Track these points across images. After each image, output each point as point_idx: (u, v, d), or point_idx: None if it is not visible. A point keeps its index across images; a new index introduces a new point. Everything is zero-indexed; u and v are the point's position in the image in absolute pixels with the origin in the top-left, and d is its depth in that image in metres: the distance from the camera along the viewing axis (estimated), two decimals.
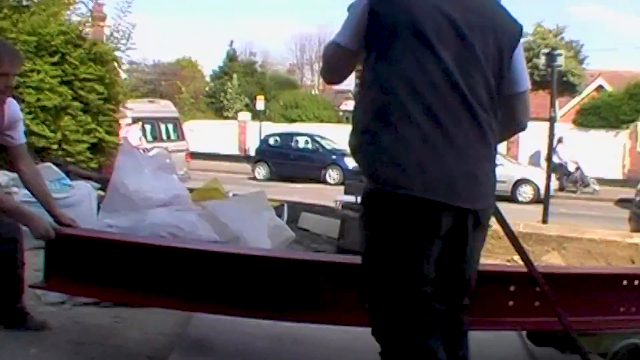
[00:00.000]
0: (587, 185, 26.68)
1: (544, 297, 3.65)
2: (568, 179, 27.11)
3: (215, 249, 4.47)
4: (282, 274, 3.84)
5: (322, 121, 37.02)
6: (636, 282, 4.20)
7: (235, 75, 42.56)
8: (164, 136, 18.44)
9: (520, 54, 3.01)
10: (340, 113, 47.90)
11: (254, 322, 4.30)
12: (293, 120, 36.74)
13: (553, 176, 21.39)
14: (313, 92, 50.17)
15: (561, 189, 26.76)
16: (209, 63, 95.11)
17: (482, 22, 2.81)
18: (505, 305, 3.90)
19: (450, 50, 2.72)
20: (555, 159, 26.39)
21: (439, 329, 2.86)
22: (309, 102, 38.74)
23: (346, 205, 8.52)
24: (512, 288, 3.89)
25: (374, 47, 2.82)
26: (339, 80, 3.28)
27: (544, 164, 26.80)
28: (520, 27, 3.02)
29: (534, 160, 29.33)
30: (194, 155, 20.90)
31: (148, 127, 17.87)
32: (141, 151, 14.22)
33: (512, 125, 3.14)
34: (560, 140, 26.86)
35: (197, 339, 4.24)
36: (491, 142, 2.87)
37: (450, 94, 2.71)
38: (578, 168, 27.18)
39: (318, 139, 28.25)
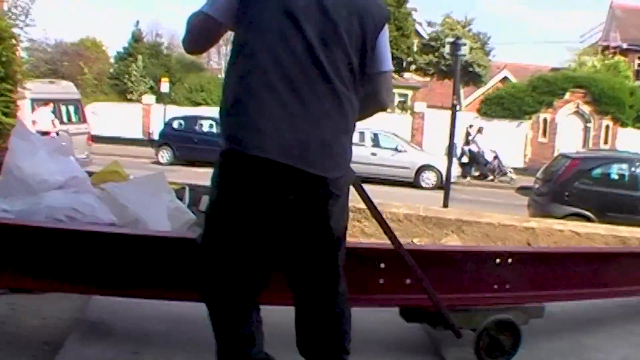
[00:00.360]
0: (504, 174, 27.47)
1: (415, 275, 3.79)
2: (486, 167, 27.87)
3: (107, 230, 4.38)
4: (175, 254, 3.82)
5: None
6: (510, 260, 4.34)
7: (140, 57, 41.79)
8: (65, 118, 17.99)
9: (385, 37, 3.16)
10: None
11: (151, 304, 4.29)
12: (198, 104, 36.30)
13: (456, 163, 21.91)
14: (219, 76, 49.78)
15: (481, 177, 27.57)
16: (114, 44, 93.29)
17: (348, 4, 2.97)
18: (376, 282, 3.99)
19: (314, 26, 2.87)
20: (474, 148, 27.17)
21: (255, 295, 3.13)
22: (215, 86, 38.26)
23: None
24: (382, 265, 3.99)
25: (243, 19, 2.93)
26: (201, 51, 3.41)
27: (459, 153, 27.57)
28: (387, 12, 3.21)
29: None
30: (97, 139, 20.52)
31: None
32: (54, 134, 13.85)
33: (376, 102, 3.29)
34: (479, 131, 27.67)
35: (95, 323, 4.20)
36: (349, 116, 3.01)
37: (310, 67, 2.85)
38: (496, 157, 28.06)
39: None
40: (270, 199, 2.87)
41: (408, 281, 3.93)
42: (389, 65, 3.22)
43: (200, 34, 3.12)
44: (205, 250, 3.10)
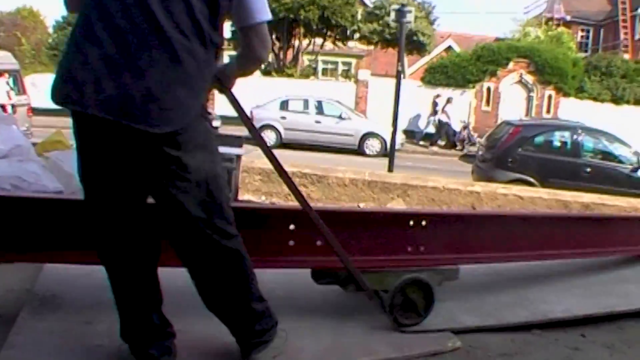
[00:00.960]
0: (473, 144, 27.73)
1: (325, 236, 3.76)
2: (454, 137, 28.23)
3: (54, 197, 4.33)
4: None
5: None
6: (423, 222, 4.37)
7: None
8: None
9: None
10: None
11: (101, 273, 4.23)
12: None
13: (399, 130, 22.00)
14: None
15: (449, 146, 27.89)
16: (52, 13, 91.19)
17: None
18: (286, 244, 3.97)
19: None
20: (443, 118, 27.45)
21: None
22: None
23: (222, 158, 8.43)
24: (291, 227, 3.97)
25: None
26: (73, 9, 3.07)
27: (423, 124, 27.82)
28: None
29: (414, 122, 30.08)
30: (37, 112, 20.04)
31: None
32: (9, 107, 13.49)
33: (250, 56, 3.20)
34: (449, 101, 27.86)
35: (46, 295, 4.13)
36: (188, 67, 2.82)
37: (140, 17, 2.72)
38: (466, 127, 28.43)
39: None
40: (111, 153, 2.83)
41: (319, 243, 3.89)
42: (260, 17, 3.07)
43: None
44: (87, 210, 3.09)
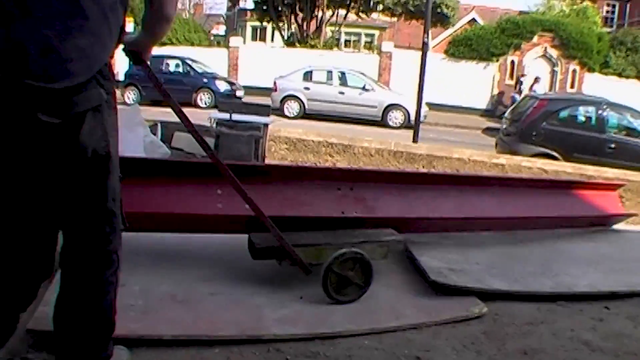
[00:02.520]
0: None
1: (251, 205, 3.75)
2: None
3: None
4: None
5: (192, 44, 36.24)
6: (350, 188, 4.43)
7: None
8: None
9: None
10: (212, 37, 47.16)
11: (136, 235, 4.32)
12: (163, 44, 35.79)
13: (420, 102, 21.93)
14: (184, 16, 49.05)
15: None
16: None
17: None
18: (215, 206, 4.05)
19: None
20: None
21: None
22: (179, 26, 37.63)
23: (220, 122, 8.50)
24: (219, 191, 4.05)
25: None
26: None
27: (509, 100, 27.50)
28: None
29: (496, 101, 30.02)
30: None
31: None
32: None
33: (160, 16, 2.91)
34: (536, 80, 27.25)
35: None
36: (90, 15, 2.48)
37: None
38: None
39: (189, 62, 27.65)
40: (7, 121, 2.45)
41: (247, 207, 3.80)
42: None
43: None
44: None
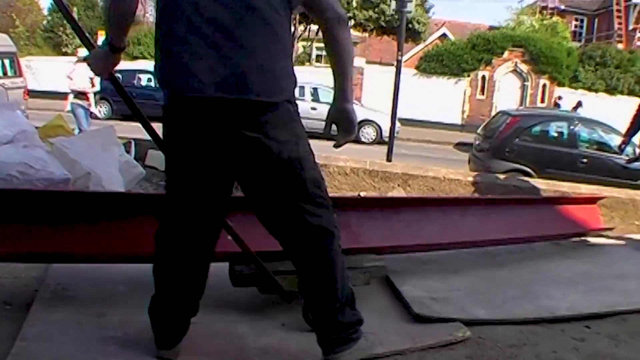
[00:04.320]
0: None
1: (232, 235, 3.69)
2: None
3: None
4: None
5: None
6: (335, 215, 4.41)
7: (75, 9, 40.66)
8: (0, 72, 17.44)
9: None
10: None
11: (113, 266, 4.26)
12: (135, 57, 35.66)
13: (394, 119, 21.94)
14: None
15: None
16: None
17: None
18: None
19: None
20: None
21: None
22: (152, 39, 37.54)
23: None
24: None
25: None
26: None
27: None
28: None
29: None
30: (32, 94, 19.93)
31: None
32: (91, 95, 13.25)
33: (333, 17, 3.19)
34: (579, 104, 26.42)
35: (57, 287, 4.15)
36: (284, 39, 3.02)
37: (232, 3, 2.88)
38: None
39: None
40: (218, 136, 2.94)
41: (229, 237, 3.73)
42: None
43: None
44: (167, 203, 3.20)
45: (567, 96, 28.52)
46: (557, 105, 27.77)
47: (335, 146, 3.40)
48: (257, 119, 2.93)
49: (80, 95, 13.36)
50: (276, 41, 2.96)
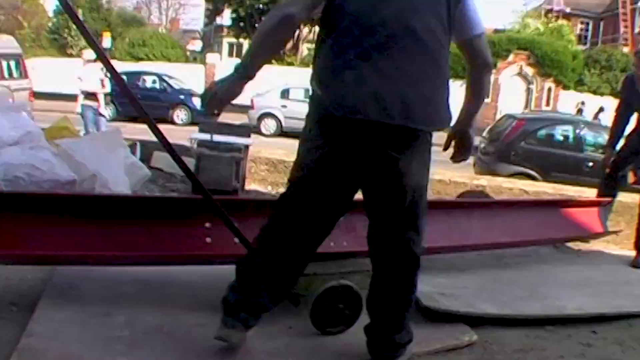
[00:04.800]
0: None
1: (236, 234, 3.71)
2: None
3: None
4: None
5: (169, 60, 36.22)
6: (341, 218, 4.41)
7: (80, 11, 40.74)
8: (6, 74, 17.45)
9: (470, 3, 3.34)
10: (188, 53, 47.09)
11: (117, 268, 4.26)
12: (140, 59, 35.75)
13: None
14: (160, 31, 49.00)
15: None
16: None
17: None
18: (203, 241, 3.98)
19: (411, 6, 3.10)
20: None
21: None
22: (156, 41, 37.76)
23: (201, 143, 8.45)
24: (207, 225, 3.98)
25: (330, 2, 3.12)
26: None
27: None
28: None
29: None
30: (37, 95, 19.97)
31: None
32: (101, 96, 13.21)
33: (482, 63, 3.48)
34: (601, 110, 26.42)
35: (64, 286, 4.13)
36: (445, 73, 3.22)
37: (401, 32, 3.05)
38: None
39: (166, 79, 27.61)
40: (365, 154, 3.14)
41: (237, 240, 3.75)
42: (482, 28, 3.43)
43: (286, 34, 3.29)
44: (290, 205, 3.38)
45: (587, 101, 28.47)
46: (580, 111, 27.71)
47: (454, 161, 3.85)
48: (405, 144, 3.13)
49: (90, 96, 13.33)
50: (438, 74, 3.16)
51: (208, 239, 3.97)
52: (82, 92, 13.58)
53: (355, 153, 3.13)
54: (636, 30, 43.32)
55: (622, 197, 8.97)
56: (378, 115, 3.00)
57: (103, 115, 13.27)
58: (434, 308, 4.19)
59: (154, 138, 3.50)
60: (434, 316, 4.18)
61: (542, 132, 14.43)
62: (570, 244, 6.63)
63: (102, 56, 3.52)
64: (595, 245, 7.05)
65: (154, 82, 27.29)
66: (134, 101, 3.45)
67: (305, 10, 3.11)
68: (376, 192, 3.30)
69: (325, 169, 3.21)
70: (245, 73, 3.19)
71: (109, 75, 13.71)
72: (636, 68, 6.31)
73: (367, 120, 3.01)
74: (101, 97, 13.17)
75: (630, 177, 6.77)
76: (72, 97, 30.76)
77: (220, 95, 3.22)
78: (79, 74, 14.01)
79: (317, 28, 18.88)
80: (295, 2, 3.11)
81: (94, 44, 3.36)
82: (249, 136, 9.03)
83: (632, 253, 6.50)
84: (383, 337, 3.46)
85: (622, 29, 43.83)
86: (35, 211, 3.74)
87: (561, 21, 40.85)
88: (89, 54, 35.51)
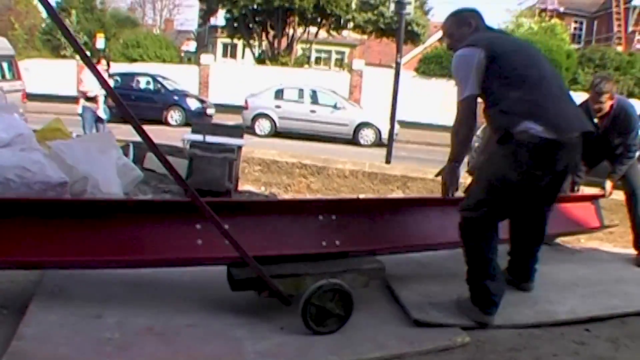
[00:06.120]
0: None
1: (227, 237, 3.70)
2: None
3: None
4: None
5: (163, 61, 36.11)
6: (333, 217, 4.40)
7: (74, 12, 40.66)
8: None
9: None
10: (182, 53, 46.99)
11: (109, 270, 4.25)
12: (134, 60, 35.63)
13: (393, 122, 21.94)
14: (154, 31, 48.90)
15: None
16: None
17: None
18: (194, 243, 3.96)
19: (546, 64, 4.50)
20: None
21: None
22: (151, 42, 37.59)
23: (194, 144, 8.43)
24: (198, 226, 3.96)
25: (501, 72, 4.23)
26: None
27: None
28: None
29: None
30: (30, 97, 19.87)
31: None
32: (101, 97, 13.09)
33: None
34: None
35: (55, 289, 4.12)
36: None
37: (559, 82, 4.52)
38: None
39: (160, 80, 27.47)
40: (562, 162, 4.26)
41: (227, 242, 3.76)
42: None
43: (473, 111, 4.31)
44: (489, 209, 4.31)
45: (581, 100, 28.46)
46: None
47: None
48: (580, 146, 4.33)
49: (91, 98, 13.20)
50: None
51: (199, 241, 3.94)
52: (81, 93, 13.47)
53: (557, 163, 4.22)
54: (629, 29, 43.37)
55: (617, 195, 8.99)
56: (574, 132, 4.21)
57: (102, 119, 13.15)
58: (423, 321, 4.18)
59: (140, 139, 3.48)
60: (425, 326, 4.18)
61: None
62: (564, 242, 6.62)
63: (86, 59, 3.48)
64: (589, 242, 7.04)
65: (147, 83, 27.13)
66: (120, 103, 3.42)
67: (478, 86, 4.22)
68: (553, 190, 4.54)
69: (534, 180, 4.23)
70: (459, 163, 4.51)
71: (112, 76, 13.61)
72: (592, 101, 6.29)
73: (572, 134, 4.19)
74: (100, 100, 13.06)
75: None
76: (66, 99, 30.87)
77: (450, 183, 4.59)
78: (80, 74, 13.90)
79: (311, 28, 18.84)
80: (468, 86, 4.23)
81: (76, 44, 3.32)
82: (242, 137, 9.01)
83: (626, 251, 6.49)
84: (532, 262, 5.01)
85: (615, 28, 43.84)
86: (25, 215, 3.72)
87: (555, 20, 40.85)
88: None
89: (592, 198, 6.70)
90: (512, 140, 4.09)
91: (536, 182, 4.23)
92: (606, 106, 6.22)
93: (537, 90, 4.22)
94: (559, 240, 6.59)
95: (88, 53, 3.28)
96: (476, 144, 15.85)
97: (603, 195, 6.61)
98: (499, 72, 4.23)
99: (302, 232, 4.31)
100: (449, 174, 4.57)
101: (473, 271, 4.33)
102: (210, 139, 8.40)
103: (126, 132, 9.46)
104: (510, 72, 4.26)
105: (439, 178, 4.86)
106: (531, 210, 4.69)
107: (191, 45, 55.89)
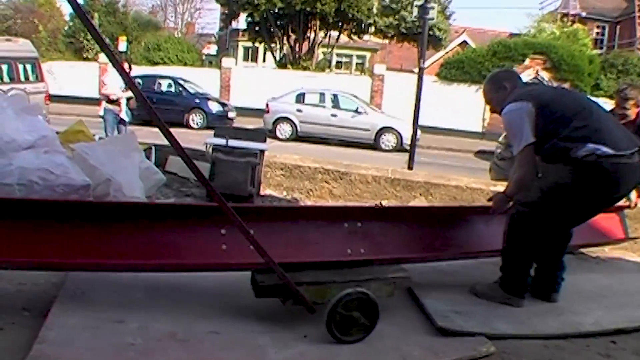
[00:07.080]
0: None
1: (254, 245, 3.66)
2: None
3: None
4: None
5: (185, 64, 36.22)
6: (359, 224, 4.36)
7: (96, 15, 40.87)
8: (22, 77, 17.48)
9: None
10: (203, 57, 47.12)
11: (128, 274, 4.23)
12: (156, 63, 35.76)
13: (416, 127, 21.86)
14: (176, 35, 49.08)
15: None
16: None
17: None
18: (219, 248, 3.95)
19: (583, 97, 5.23)
20: None
21: None
22: (172, 45, 37.71)
23: (217, 148, 8.41)
24: (223, 231, 3.95)
25: (553, 114, 4.53)
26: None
27: None
28: None
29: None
30: (53, 98, 19.98)
31: (5, 67, 16.82)
32: (123, 101, 13.14)
33: None
34: None
35: (77, 292, 4.11)
36: None
37: (598, 110, 4.74)
38: None
39: (181, 83, 27.53)
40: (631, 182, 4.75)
41: (251, 248, 3.73)
42: None
43: (534, 158, 4.55)
44: (544, 221, 4.70)
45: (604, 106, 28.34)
46: None
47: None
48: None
49: (113, 101, 13.21)
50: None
51: (224, 246, 3.92)
52: (103, 95, 13.49)
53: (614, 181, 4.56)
54: None
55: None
56: (625, 152, 4.46)
57: (124, 121, 13.17)
58: (449, 329, 4.15)
59: (165, 142, 3.46)
60: (451, 335, 4.13)
61: None
62: (588, 252, 6.55)
63: (115, 61, 3.48)
64: (613, 252, 6.96)
65: (169, 86, 27.22)
66: (148, 106, 3.41)
67: (533, 134, 4.44)
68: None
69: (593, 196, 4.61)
70: (511, 199, 4.76)
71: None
72: (617, 107, 6.25)
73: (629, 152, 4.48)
74: (123, 102, 13.08)
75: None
76: (89, 100, 31.03)
77: (496, 209, 4.83)
78: (102, 77, 13.92)
79: (332, 32, 18.96)
80: (524, 135, 4.46)
81: (107, 49, 3.32)
82: (265, 141, 8.99)
83: None
84: (554, 274, 5.05)
85: (638, 33, 43.48)
86: (49, 218, 3.71)
87: (577, 25, 40.61)
88: (105, 57, 35.66)
89: (618, 209, 6.61)
90: (577, 163, 4.42)
91: (606, 199, 4.74)
92: (631, 113, 6.16)
93: (590, 118, 4.53)
94: (582, 249, 6.51)
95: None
96: (498, 150, 15.82)
97: (628, 206, 6.51)
98: (550, 115, 4.53)
99: (328, 239, 4.28)
100: (499, 203, 4.82)
101: (512, 257, 4.79)
102: (233, 142, 8.39)
103: (148, 135, 9.52)
104: (562, 110, 4.58)
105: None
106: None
107: (212, 49, 56.07)
